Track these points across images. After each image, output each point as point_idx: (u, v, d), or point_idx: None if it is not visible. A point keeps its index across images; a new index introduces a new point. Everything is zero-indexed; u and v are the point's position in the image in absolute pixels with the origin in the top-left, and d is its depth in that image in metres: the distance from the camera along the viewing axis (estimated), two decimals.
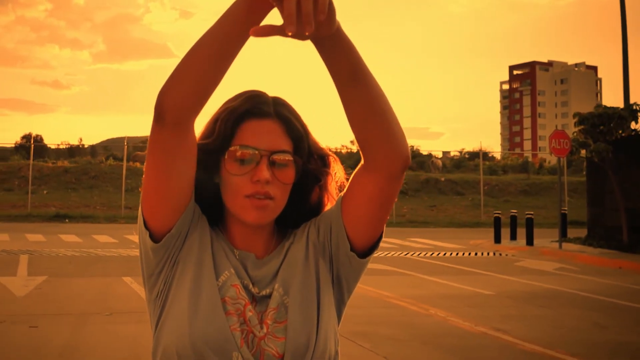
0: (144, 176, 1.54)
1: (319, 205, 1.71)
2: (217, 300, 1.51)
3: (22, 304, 9.61)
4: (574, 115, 22.71)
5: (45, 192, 33.72)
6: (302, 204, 1.69)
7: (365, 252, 1.62)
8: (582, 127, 21.70)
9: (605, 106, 22.49)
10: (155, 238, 1.55)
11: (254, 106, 1.62)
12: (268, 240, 1.66)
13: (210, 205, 1.63)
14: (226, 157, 1.59)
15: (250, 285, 1.58)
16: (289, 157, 1.60)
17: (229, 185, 1.59)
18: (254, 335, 1.51)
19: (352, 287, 1.67)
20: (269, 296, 1.57)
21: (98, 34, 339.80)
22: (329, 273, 1.63)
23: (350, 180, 1.60)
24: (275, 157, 1.59)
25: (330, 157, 1.72)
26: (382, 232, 1.63)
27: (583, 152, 21.87)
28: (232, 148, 1.59)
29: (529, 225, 20.41)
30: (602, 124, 21.32)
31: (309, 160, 1.67)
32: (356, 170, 1.58)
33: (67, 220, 27.35)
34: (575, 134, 22.22)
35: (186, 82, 1.42)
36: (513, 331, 8.42)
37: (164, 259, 1.57)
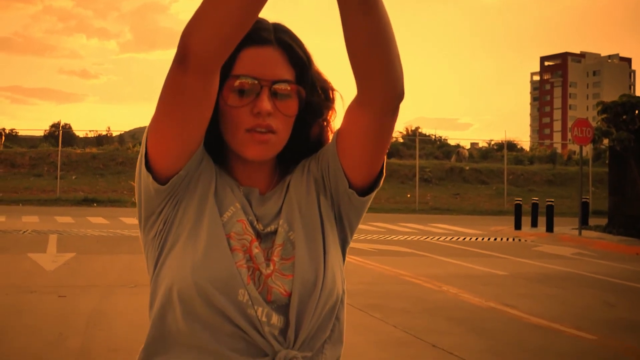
0: (154, 119, 1.43)
1: (321, 141, 1.64)
2: (221, 236, 1.44)
3: (51, 277, 10.05)
4: (597, 104, 22.79)
5: (73, 177, 34.35)
6: (303, 139, 1.61)
7: (365, 190, 1.56)
8: (605, 115, 21.78)
9: (629, 95, 22.54)
10: (159, 180, 1.45)
11: (253, 32, 1.48)
12: (270, 176, 1.60)
13: (211, 141, 1.54)
14: (224, 88, 1.48)
15: (255, 222, 1.51)
16: (291, 87, 1.52)
17: (227, 118, 1.50)
18: (261, 272, 1.45)
19: (354, 225, 1.61)
20: (273, 233, 1.51)
21: (125, 23, 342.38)
22: (331, 210, 1.57)
23: (344, 116, 1.53)
24: (277, 87, 1.50)
25: (335, 92, 1.64)
26: (382, 170, 1.56)
27: (606, 141, 21.96)
28: (230, 78, 1.49)
29: (549, 212, 20.56)
30: (625, 112, 21.39)
31: (312, 93, 1.58)
32: (349, 104, 1.50)
33: (95, 205, 27.90)
34: (598, 122, 22.30)
35: (213, 22, 1.29)
36: (521, 307, 8.69)
37: (167, 199, 1.48)
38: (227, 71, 1.48)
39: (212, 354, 1.40)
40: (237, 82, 1.49)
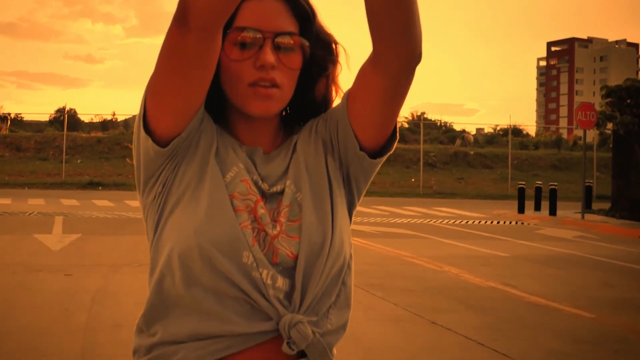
0: (153, 81, 1.38)
1: (327, 99, 1.59)
2: (224, 197, 1.39)
3: (57, 257, 10.18)
4: (602, 88, 22.80)
5: (79, 161, 34.50)
6: (308, 97, 1.57)
7: (377, 152, 1.50)
8: (609, 99, 21.81)
9: (633, 79, 22.54)
10: (159, 142, 1.40)
11: None
12: (274, 135, 1.55)
13: (211, 99, 1.48)
14: (225, 41, 1.43)
15: (260, 182, 1.46)
16: (295, 40, 1.46)
17: (229, 73, 1.45)
18: (266, 234, 1.40)
19: (362, 188, 1.56)
20: (280, 193, 1.46)
21: (130, 8, 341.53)
22: (339, 172, 1.52)
23: (356, 76, 1.47)
24: (280, 39, 1.45)
25: (339, 46, 1.58)
26: (395, 132, 1.51)
27: (610, 125, 21.99)
28: (231, 31, 1.44)
29: (553, 196, 20.63)
30: (629, 97, 21.41)
31: (316, 46, 1.52)
32: (363, 65, 1.45)
33: (100, 188, 28.06)
34: (602, 106, 22.32)
35: None
36: (521, 286, 8.79)
37: (167, 161, 1.43)
38: (228, 24, 1.42)
39: (214, 317, 1.35)
40: (239, 35, 1.43)
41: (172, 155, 1.42)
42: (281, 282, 1.38)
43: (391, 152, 1.51)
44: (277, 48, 1.44)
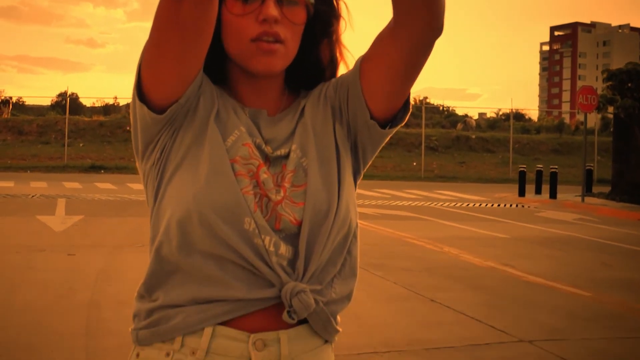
0: (148, 49, 1.34)
1: (332, 59, 1.54)
2: (224, 161, 1.35)
3: (60, 237, 10.28)
4: (603, 72, 22.83)
5: (81, 145, 34.56)
6: (312, 56, 1.51)
7: (388, 121, 1.45)
8: (610, 83, 21.84)
9: (635, 62, 22.56)
10: (156, 110, 1.36)
11: None
12: (278, 96, 1.50)
13: (211, 58, 1.43)
14: None
15: (263, 145, 1.41)
16: None
17: (231, 29, 1.40)
18: (269, 199, 1.36)
19: (368, 157, 1.51)
20: (284, 157, 1.42)
21: None
22: (347, 139, 1.47)
23: (372, 44, 1.42)
24: None
25: (341, 1, 1.53)
26: (408, 102, 1.46)
27: (611, 108, 22.02)
28: None
29: (553, 179, 20.70)
30: (630, 80, 21.44)
31: (317, 2, 1.48)
32: (381, 33, 1.40)
33: (102, 171, 28.15)
34: (603, 90, 22.36)
35: None
36: (520, 266, 8.88)
37: (165, 127, 1.39)
38: None
39: (215, 283, 1.33)
40: None
41: (170, 121, 1.38)
42: (284, 249, 1.34)
43: (402, 124, 1.47)
44: (280, 2, 1.40)
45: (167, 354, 1.35)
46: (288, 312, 1.32)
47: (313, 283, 1.35)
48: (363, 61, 1.43)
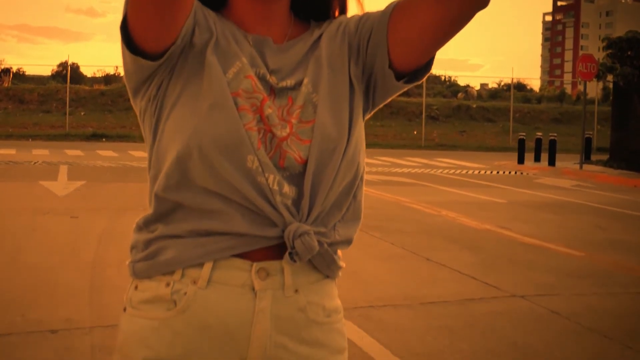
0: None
1: None
2: (225, 96, 1.27)
3: (63, 201, 10.41)
4: (603, 40, 22.81)
5: (82, 113, 34.61)
6: None
7: (405, 74, 1.37)
8: (610, 51, 21.85)
9: (635, 31, 22.53)
10: (151, 57, 1.28)
11: None
12: (285, 24, 1.40)
13: None
14: None
15: (267, 75, 1.33)
16: None
17: None
18: (273, 135, 1.29)
19: (377, 103, 1.43)
20: (290, 88, 1.34)
21: None
22: (361, 79, 1.39)
23: None
24: None
25: None
26: (431, 62, 1.38)
27: (610, 77, 22.06)
28: None
29: (552, 147, 20.79)
30: (630, 48, 21.45)
31: None
32: None
33: (104, 140, 28.21)
34: (603, 58, 22.36)
35: None
36: (516, 229, 9.03)
37: (162, 65, 1.30)
38: None
39: (217, 217, 1.28)
40: None
41: (165, 62, 1.29)
42: (288, 188, 1.28)
43: (419, 82, 1.39)
44: None
45: (167, 284, 1.30)
46: (290, 254, 1.27)
47: (317, 225, 1.30)
48: (395, 9, 1.34)
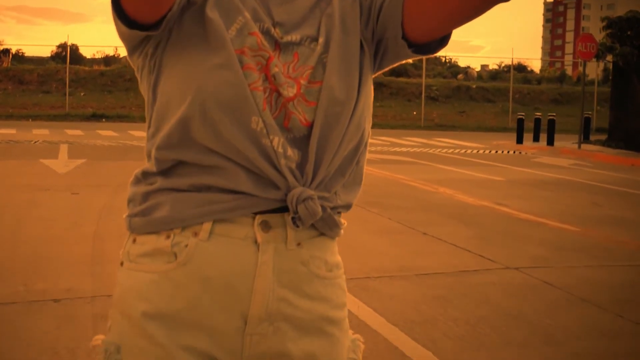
0: None
1: None
2: (229, 52, 1.22)
3: (64, 178, 10.50)
4: (603, 19, 22.78)
5: (82, 94, 34.61)
6: None
7: (419, 45, 1.32)
8: (609, 30, 21.82)
9: (635, 10, 22.50)
10: (147, 28, 1.24)
11: None
12: None
13: None
14: None
15: (272, 29, 1.28)
16: None
17: None
18: (279, 94, 1.24)
19: (384, 67, 1.39)
20: (296, 43, 1.28)
21: None
22: (371, 42, 1.35)
23: None
24: None
25: None
26: (447, 37, 1.33)
27: (610, 57, 22.05)
28: None
29: (551, 126, 20.85)
30: (630, 28, 21.42)
31: None
32: None
33: (104, 120, 28.25)
34: (603, 38, 22.34)
35: None
36: (512, 205, 9.11)
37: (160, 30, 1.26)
38: None
39: (220, 173, 1.24)
40: None
41: (163, 26, 1.25)
42: (291, 152, 1.25)
43: (432, 55, 1.35)
44: None
45: (168, 237, 1.27)
46: (293, 218, 1.24)
47: (321, 190, 1.27)
48: None
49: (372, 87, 1.36)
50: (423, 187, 10.69)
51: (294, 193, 1.23)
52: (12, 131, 20.04)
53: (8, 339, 3.95)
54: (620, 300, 5.06)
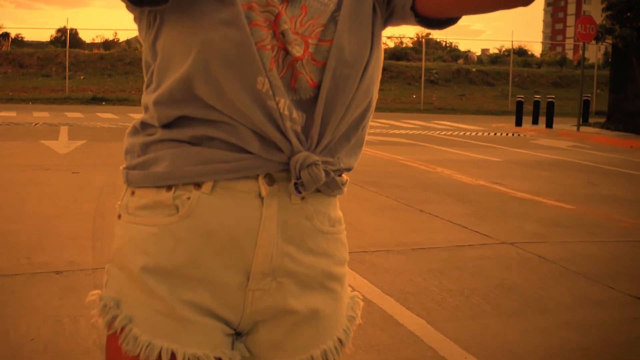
0: None
1: None
2: (236, 7, 1.16)
3: (64, 158, 10.57)
4: (602, 1, 22.78)
5: (82, 77, 34.61)
6: None
7: (426, 19, 1.30)
8: (609, 12, 21.82)
9: None
10: (158, 1, 1.16)
11: None
12: None
13: None
14: None
15: None
16: None
17: None
18: (287, 53, 1.19)
19: (386, 26, 1.35)
20: None
21: None
22: (383, 5, 1.31)
23: None
24: None
25: None
26: (456, 18, 1.31)
27: (609, 39, 22.06)
28: None
29: (550, 109, 20.90)
30: (629, 9, 21.42)
31: None
32: None
33: (103, 103, 28.30)
34: (603, 19, 22.34)
35: None
36: (509, 184, 9.20)
37: None
38: None
39: (224, 128, 1.19)
40: None
41: None
42: (296, 114, 1.20)
43: (437, 28, 1.33)
44: None
45: (169, 189, 1.22)
46: (295, 184, 1.20)
47: (325, 155, 1.24)
48: None
49: (382, 52, 1.30)
50: (421, 167, 10.77)
51: (298, 158, 1.19)
52: (13, 114, 20.09)
53: (12, 307, 4.04)
54: (612, 274, 5.15)
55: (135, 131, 1.28)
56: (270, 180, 1.22)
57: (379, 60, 1.28)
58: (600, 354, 3.68)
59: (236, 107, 1.16)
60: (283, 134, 1.18)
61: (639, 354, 3.72)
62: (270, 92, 1.17)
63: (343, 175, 1.31)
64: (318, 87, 1.20)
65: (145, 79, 1.28)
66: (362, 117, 1.27)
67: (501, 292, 4.60)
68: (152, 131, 1.25)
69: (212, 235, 1.21)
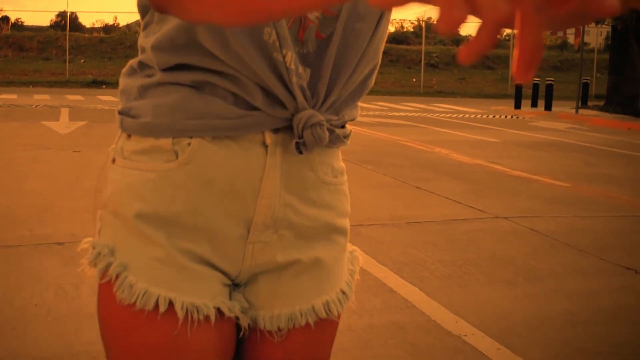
0: None
1: None
2: None
3: (65, 138, 10.68)
4: None
5: (82, 61, 34.67)
6: None
7: None
8: None
9: None
10: None
11: None
12: None
13: None
14: None
15: None
16: None
17: None
18: None
19: None
20: None
21: None
22: None
23: None
24: None
25: None
26: None
27: (609, 20, 22.10)
28: None
29: (549, 91, 20.95)
30: None
31: None
32: None
33: (104, 86, 28.37)
34: None
35: None
36: (505, 163, 9.30)
37: None
38: None
39: (228, 75, 1.11)
40: None
41: None
42: (302, 69, 1.13)
43: None
44: None
45: None
46: (297, 143, 1.14)
47: (330, 114, 1.18)
48: None
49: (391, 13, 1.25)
50: (418, 147, 10.87)
51: (302, 116, 1.12)
52: (13, 96, 20.18)
53: (16, 276, 4.15)
54: (603, 246, 5.25)
55: (133, 71, 1.19)
56: (275, 129, 1.15)
57: (388, 21, 1.21)
58: (587, 320, 3.78)
59: (241, 58, 1.08)
60: (288, 89, 1.12)
61: (625, 320, 3.83)
62: (277, 44, 1.09)
63: (346, 125, 1.27)
64: (325, 41, 1.13)
65: (143, 20, 1.19)
66: (368, 77, 1.23)
67: (493, 263, 4.71)
68: (151, 72, 1.16)
69: (213, 183, 1.14)
